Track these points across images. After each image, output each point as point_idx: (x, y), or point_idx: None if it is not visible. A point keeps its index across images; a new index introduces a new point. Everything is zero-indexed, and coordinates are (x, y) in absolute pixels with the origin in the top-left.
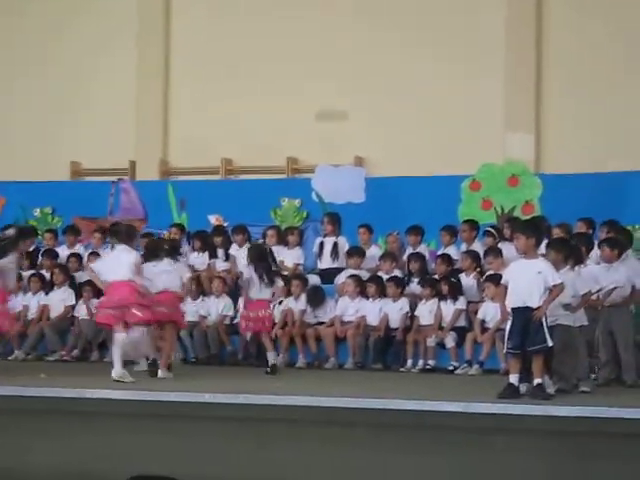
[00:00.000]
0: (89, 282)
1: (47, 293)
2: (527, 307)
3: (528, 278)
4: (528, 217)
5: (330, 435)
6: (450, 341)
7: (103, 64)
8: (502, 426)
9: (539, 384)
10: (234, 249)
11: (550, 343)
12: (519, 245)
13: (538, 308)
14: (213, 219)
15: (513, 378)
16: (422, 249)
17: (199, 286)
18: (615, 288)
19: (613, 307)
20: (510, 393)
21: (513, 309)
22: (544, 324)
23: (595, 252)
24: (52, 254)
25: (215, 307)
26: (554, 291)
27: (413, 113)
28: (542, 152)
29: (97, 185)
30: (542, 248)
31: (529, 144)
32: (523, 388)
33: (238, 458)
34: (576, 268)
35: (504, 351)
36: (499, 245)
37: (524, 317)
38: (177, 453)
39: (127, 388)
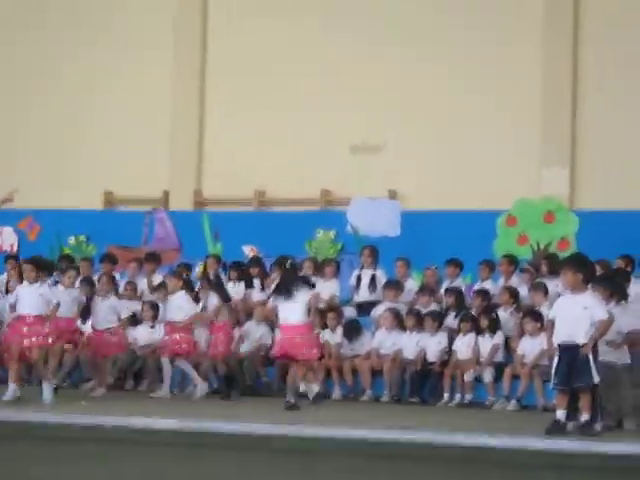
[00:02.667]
0: None
1: (84, 321)
2: (574, 343)
3: (575, 313)
4: (565, 253)
5: (372, 467)
6: (488, 376)
7: (138, 92)
8: (550, 462)
9: (587, 421)
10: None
11: (596, 380)
12: (566, 280)
13: (584, 345)
14: (247, 250)
15: (560, 414)
16: (458, 283)
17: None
18: None
19: None
20: (557, 429)
21: (560, 345)
22: (591, 360)
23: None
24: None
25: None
26: (601, 327)
27: (448, 147)
28: (577, 188)
29: (130, 214)
30: None
31: (564, 179)
32: (570, 425)
33: None
34: (621, 304)
35: (551, 387)
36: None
37: (571, 353)
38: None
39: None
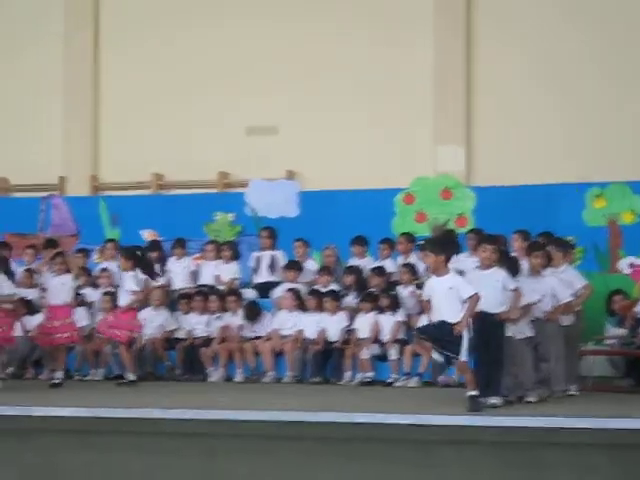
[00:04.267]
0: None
1: None
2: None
3: (440, 295)
4: (463, 230)
5: (278, 448)
6: (393, 353)
7: (30, 78)
8: (448, 438)
9: (471, 396)
10: (172, 263)
11: (463, 357)
12: (429, 263)
13: (457, 323)
14: (146, 234)
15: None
16: (366, 261)
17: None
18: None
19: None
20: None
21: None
22: (464, 338)
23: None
24: None
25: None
26: (470, 303)
27: (345, 127)
28: (473, 165)
29: (26, 201)
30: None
31: (460, 157)
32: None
33: (187, 473)
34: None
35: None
36: None
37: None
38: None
39: (75, 405)
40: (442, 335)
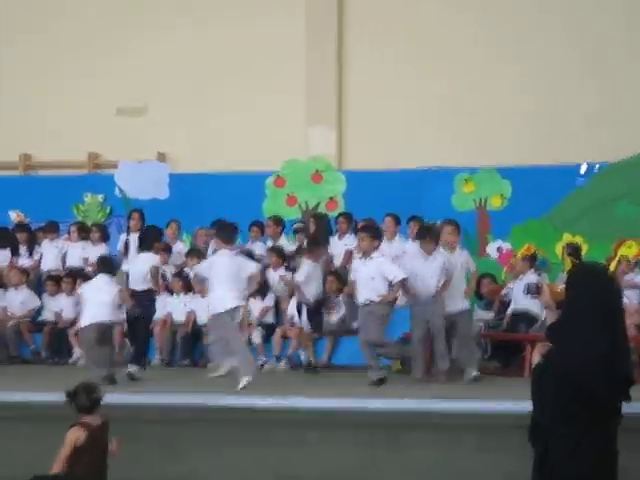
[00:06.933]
0: None
1: None
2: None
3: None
4: (333, 213)
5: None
6: (257, 337)
7: None
8: (311, 420)
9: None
10: (46, 245)
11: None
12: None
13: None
14: (14, 215)
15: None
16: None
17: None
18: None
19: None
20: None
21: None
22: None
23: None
24: None
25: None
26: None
27: (215, 109)
28: (344, 148)
29: None
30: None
31: (331, 140)
32: None
33: None
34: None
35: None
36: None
37: None
38: None
39: None
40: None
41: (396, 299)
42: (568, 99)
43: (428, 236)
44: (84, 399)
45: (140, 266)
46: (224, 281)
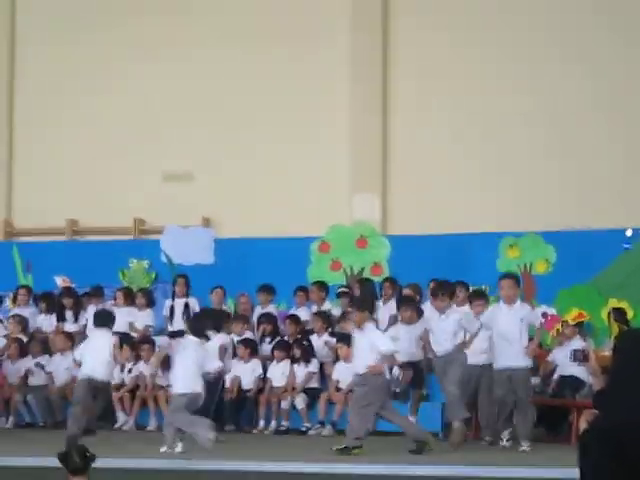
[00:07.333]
0: None
1: None
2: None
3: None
4: (378, 278)
5: None
6: (300, 403)
7: None
8: None
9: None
10: (91, 310)
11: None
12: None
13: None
14: (60, 280)
15: None
16: (271, 309)
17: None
18: None
19: None
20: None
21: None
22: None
23: None
24: None
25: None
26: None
27: (259, 174)
28: (388, 213)
29: None
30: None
31: (376, 205)
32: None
33: None
34: None
35: None
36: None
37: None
38: None
39: None
40: None
41: None
42: (612, 162)
43: (440, 293)
44: (77, 459)
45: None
46: None
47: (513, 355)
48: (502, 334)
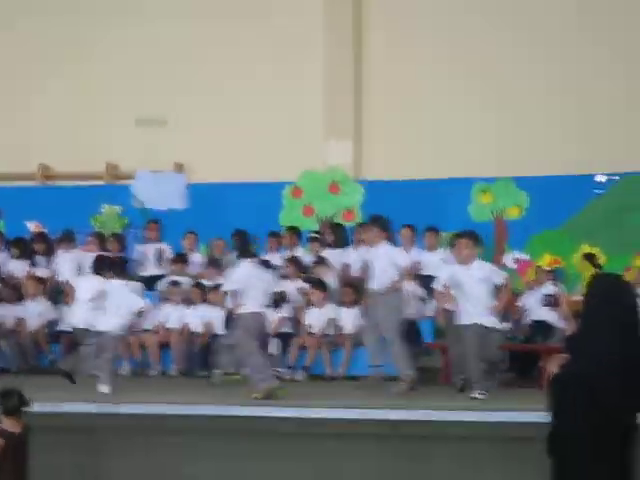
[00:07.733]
0: None
1: None
2: None
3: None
4: (351, 224)
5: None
6: (273, 348)
7: None
8: (341, 431)
9: None
10: (61, 255)
11: None
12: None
13: None
14: (32, 226)
15: None
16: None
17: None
18: None
19: None
20: None
21: None
22: None
23: None
24: None
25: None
26: None
27: (233, 120)
28: (361, 158)
29: None
30: None
31: (348, 151)
32: None
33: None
34: None
35: None
36: (323, 252)
37: None
38: None
39: None
40: None
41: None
42: (585, 107)
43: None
44: (15, 401)
45: None
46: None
47: (476, 314)
48: (465, 295)
